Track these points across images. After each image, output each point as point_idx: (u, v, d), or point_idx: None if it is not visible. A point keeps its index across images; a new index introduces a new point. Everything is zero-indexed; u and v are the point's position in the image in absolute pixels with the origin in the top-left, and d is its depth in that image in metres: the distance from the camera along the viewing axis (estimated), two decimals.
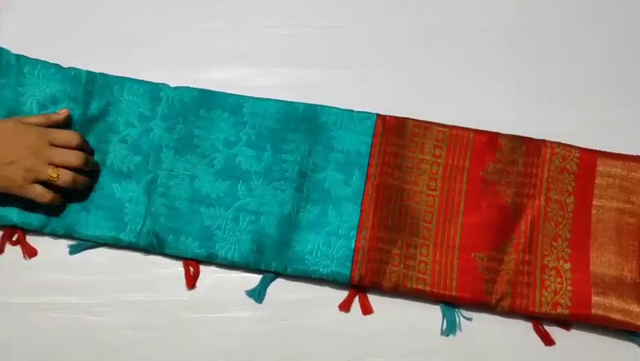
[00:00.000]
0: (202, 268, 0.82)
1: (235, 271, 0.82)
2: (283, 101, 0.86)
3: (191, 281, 0.81)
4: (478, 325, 0.80)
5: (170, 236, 0.80)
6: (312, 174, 0.83)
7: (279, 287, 0.81)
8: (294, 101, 0.86)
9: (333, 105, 0.86)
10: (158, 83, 0.87)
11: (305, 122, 0.85)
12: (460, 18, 0.95)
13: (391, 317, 0.80)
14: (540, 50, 0.93)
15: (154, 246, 0.81)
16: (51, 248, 0.82)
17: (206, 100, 0.86)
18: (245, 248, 0.80)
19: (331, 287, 0.81)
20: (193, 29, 0.94)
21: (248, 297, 0.80)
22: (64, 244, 0.83)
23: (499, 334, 0.80)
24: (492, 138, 0.84)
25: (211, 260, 0.81)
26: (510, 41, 0.94)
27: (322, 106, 0.86)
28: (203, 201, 0.82)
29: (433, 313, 0.80)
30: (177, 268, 0.82)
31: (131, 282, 0.81)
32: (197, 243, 0.80)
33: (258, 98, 0.86)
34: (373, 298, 0.81)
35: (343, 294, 0.81)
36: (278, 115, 0.85)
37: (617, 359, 0.78)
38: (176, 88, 0.87)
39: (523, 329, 0.80)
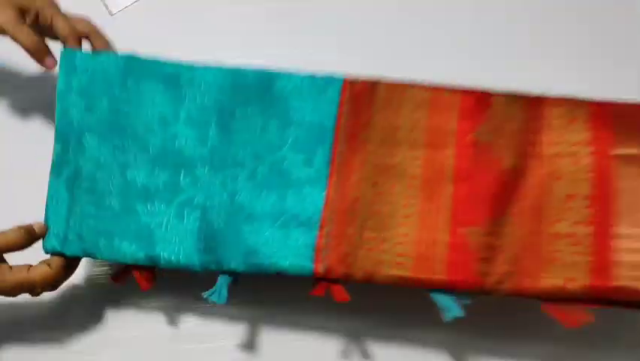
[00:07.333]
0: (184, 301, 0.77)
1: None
2: (229, 68, 0.71)
3: (145, 284, 0.69)
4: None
5: (102, 240, 0.68)
6: (266, 155, 0.70)
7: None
8: (243, 67, 0.72)
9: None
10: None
11: (257, 92, 0.71)
12: None
13: None
14: None
15: (84, 253, 0.69)
16: None
17: (134, 69, 0.71)
18: (190, 248, 0.67)
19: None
20: None
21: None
22: None
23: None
24: (482, 96, 0.69)
25: (153, 264, 0.68)
26: None
27: (277, 72, 0.71)
28: (140, 195, 0.69)
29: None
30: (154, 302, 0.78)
31: (110, 318, 0.78)
32: (134, 245, 0.68)
33: (198, 66, 0.71)
34: None
35: None
36: (224, 85, 0.71)
37: None
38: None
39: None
